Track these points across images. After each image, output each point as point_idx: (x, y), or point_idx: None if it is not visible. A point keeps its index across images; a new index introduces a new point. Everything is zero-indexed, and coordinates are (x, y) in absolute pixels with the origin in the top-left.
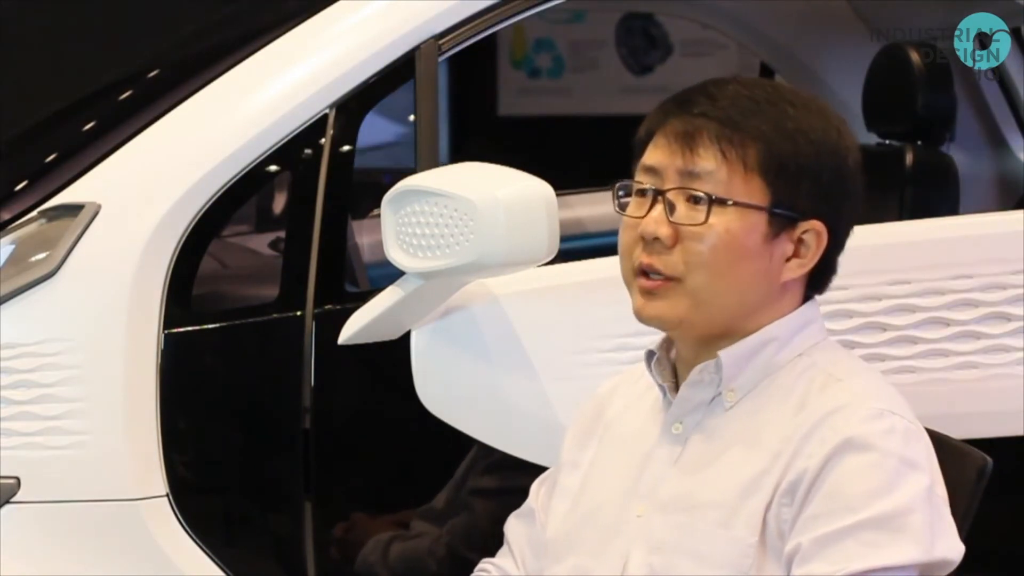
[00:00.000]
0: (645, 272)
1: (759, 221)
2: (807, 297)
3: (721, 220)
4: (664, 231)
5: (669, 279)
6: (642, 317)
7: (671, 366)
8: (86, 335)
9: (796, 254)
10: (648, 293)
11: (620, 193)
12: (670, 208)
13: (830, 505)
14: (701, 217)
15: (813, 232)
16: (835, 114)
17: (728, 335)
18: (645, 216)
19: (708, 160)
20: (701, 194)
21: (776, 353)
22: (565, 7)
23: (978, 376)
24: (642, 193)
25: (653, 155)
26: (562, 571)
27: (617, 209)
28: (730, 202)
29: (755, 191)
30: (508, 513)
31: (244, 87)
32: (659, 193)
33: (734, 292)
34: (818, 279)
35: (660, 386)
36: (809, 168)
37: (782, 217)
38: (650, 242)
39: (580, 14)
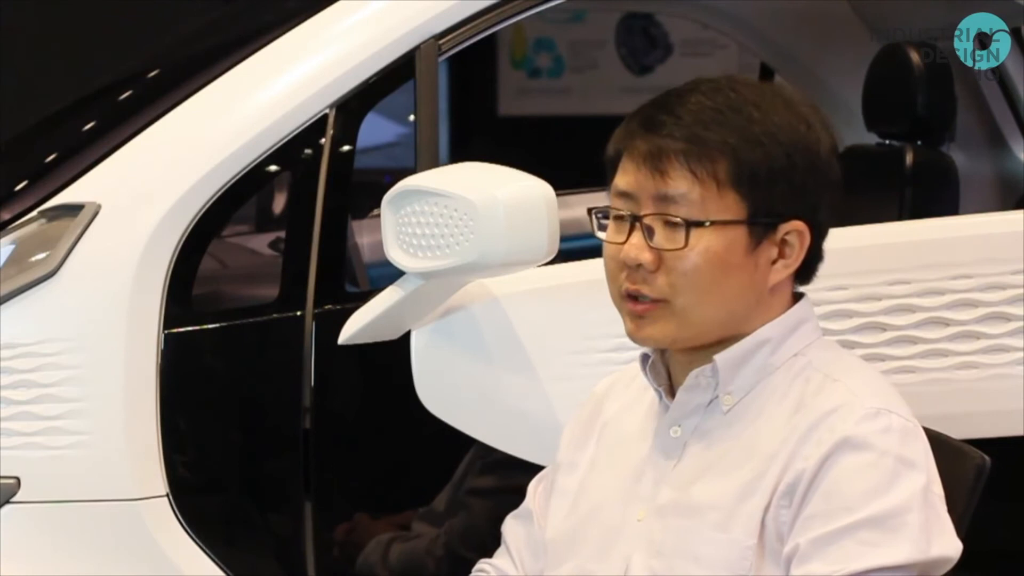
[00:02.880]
0: (633, 296)
1: (739, 235)
2: (796, 291)
3: (701, 241)
4: (646, 257)
5: (657, 301)
6: (635, 339)
7: (666, 369)
8: (86, 335)
9: (781, 255)
10: (638, 317)
11: (599, 216)
12: (649, 233)
13: (827, 505)
14: (680, 241)
15: (795, 232)
16: (802, 102)
17: (722, 343)
18: (625, 242)
19: (679, 182)
20: (678, 219)
21: (771, 354)
22: (565, 7)
23: (978, 376)
24: (620, 218)
25: (624, 179)
26: (564, 573)
27: (597, 233)
28: (707, 223)
29: (731, 205)
30: (506, 513)
31: (244, 87)
32: (636, 219)
33: (722, 306)
34: (806, 269)
35: (656, 389)
36: (781, 170)
37: (762, 225)
38: (634, 268)
39: (580, 14)
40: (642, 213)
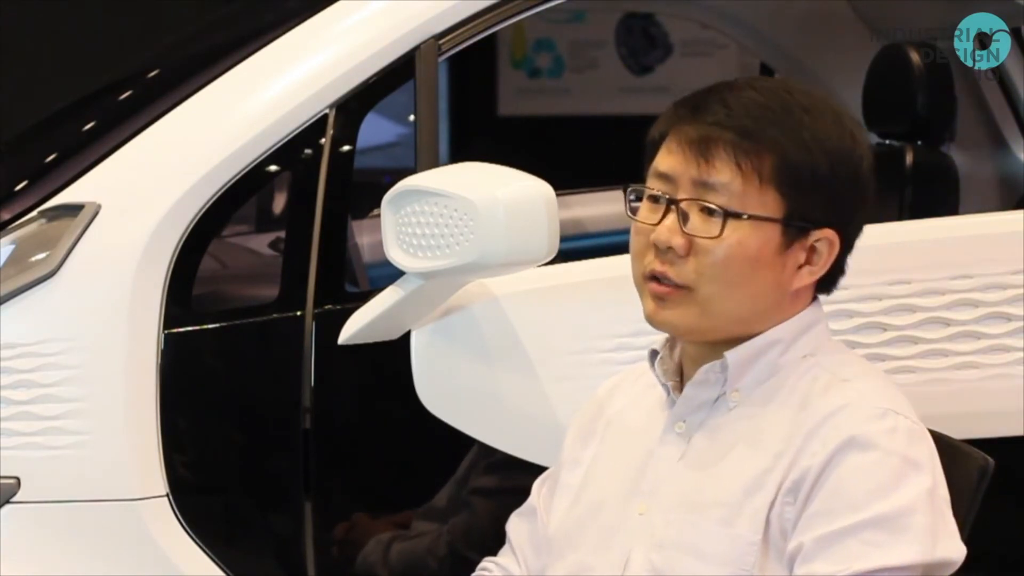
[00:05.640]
0: (656, 278)
1: (773, 233)
2: (815, 297)
3: (735, 233)
4: (678, 241)
5: (680, 287)
6: (653, 322)
7: (675, 365)
8: (86, 335)
9: (808, 261)
10: (659, 299)
11: (631, 197)
12: (683, 218)
13: (832, 503)
14: (715, 230)
15: (825, 240)
16: (849, 117)
17: (737, 339)
18: (658, 224)
19: (723, 172)
20: (715, 207)
21: (781, 354)
22: (565, 7)
23: (978, 376)
24: (655, 199)
25: (666, 161)
26: (564, 568)
27: (628, 213)
28: (745, 216)
29: (769, 203)
30: (509, 512)
31: (244, 87)
32: (673, 202)
33: (745, 302)
34: (827, 280)
35: (664, 385)
36: (824, 179)
37: (796, 227)
38: (663, 250)
39: (580, 14)
40: (679, 197)
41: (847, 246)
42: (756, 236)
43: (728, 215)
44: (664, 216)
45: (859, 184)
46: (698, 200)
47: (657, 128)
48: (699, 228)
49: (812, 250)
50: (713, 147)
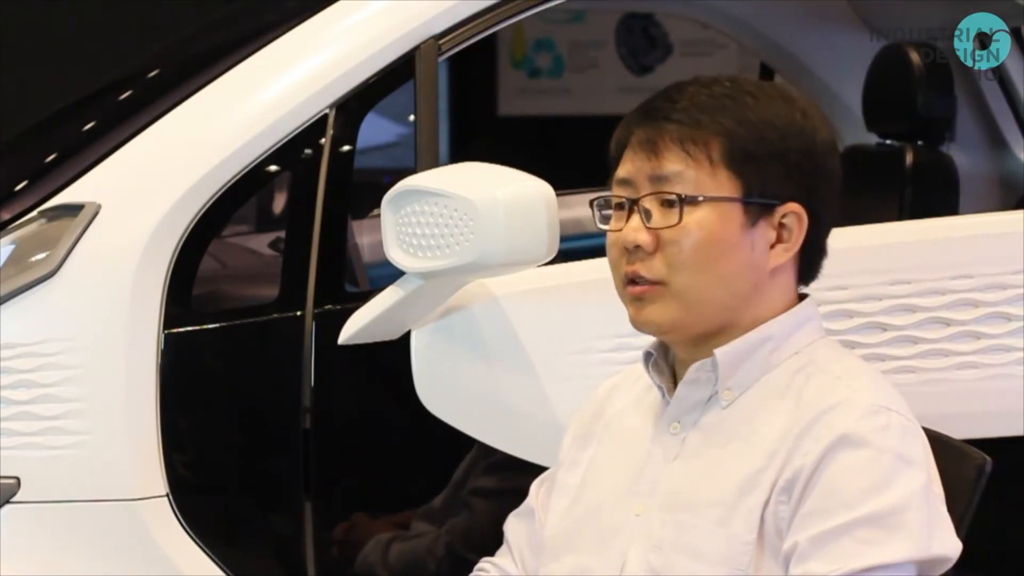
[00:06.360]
0: (633, 280)
1: (734, 212)
2: (801, 282)
3: (695, 218)
4: (643, 238)
5: (655, 283)
6: (637, 324)
7: (669, 367)
8: (86, 335)
9: (780, 239)
10: (638, 300)
11: (600, 209)
12: (646, 215)
13: (826, 502)
14: (675, 219)
15: (793, 215)
16: (801, 98)
17: (724, 330)
18: (624, 227)
19: (674, 162)
20: (672, 196)
21: (772, 351)
22: (565, 7)
23: (978, 376)
24: (620, 206)
25: (624, 167)
26: (561, 569)
27: (599, 225)
28: (700, 198)
29: (724, 183)
30: (508, 513)
31: (244, 87)
32: (633, 203)
33: (721, 286)
34: (809, 263)
35: (658, 387)
36: (775, 152)
37: (757, 205)
38: (633, 251)
39: (580, 14)
40: (639, 196)
41: (820, 223)
42: (717, 218)
43: (684, 201)
44: (628, 218)
45: (814, 156)
46: (655, 194)
47: (614, 142)
48: (661, 221)
49: (781, 227)
50: (661, 141)
